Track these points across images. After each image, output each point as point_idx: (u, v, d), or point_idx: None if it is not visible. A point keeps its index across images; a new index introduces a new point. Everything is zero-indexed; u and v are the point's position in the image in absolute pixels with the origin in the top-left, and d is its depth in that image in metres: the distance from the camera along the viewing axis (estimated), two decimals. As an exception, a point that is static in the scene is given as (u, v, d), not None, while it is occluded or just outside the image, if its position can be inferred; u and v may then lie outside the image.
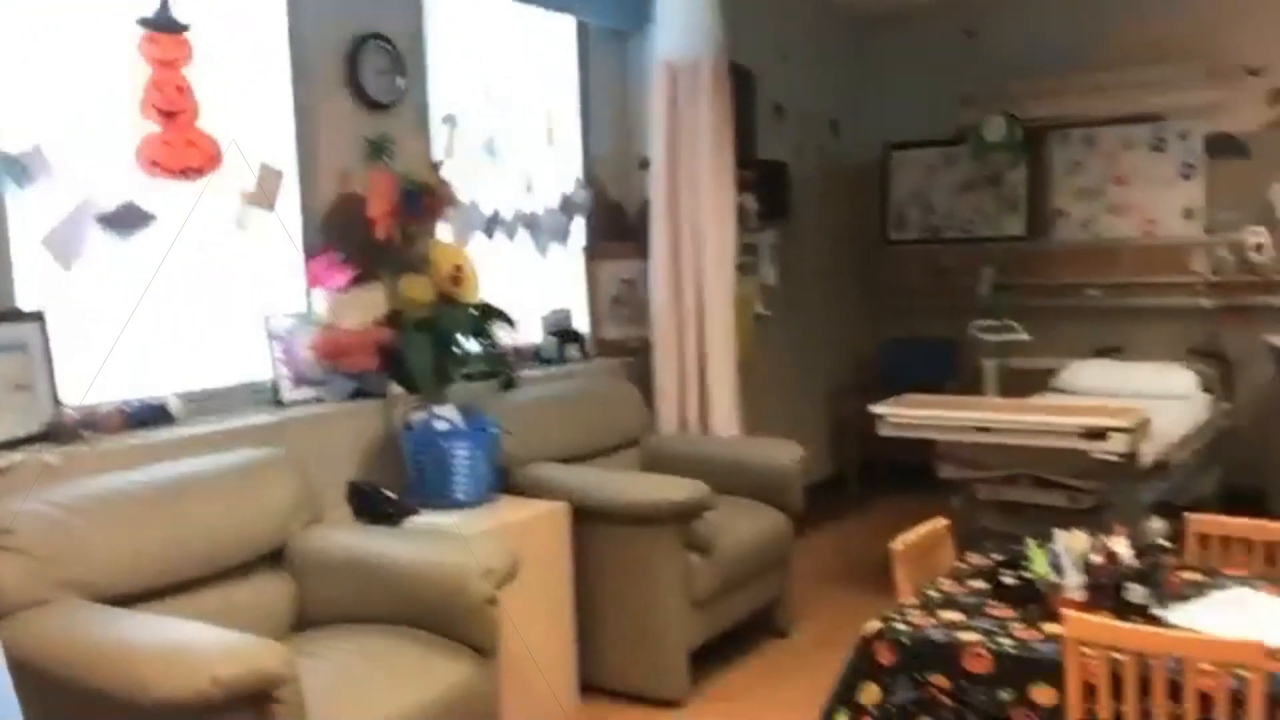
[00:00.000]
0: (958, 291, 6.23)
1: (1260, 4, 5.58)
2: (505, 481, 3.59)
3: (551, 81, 4.67)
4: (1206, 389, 5.37)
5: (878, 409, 4.26)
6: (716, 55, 4.31)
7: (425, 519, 3.22)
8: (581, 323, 4.63)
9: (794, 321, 5.90)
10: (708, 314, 4.38)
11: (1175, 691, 1.93)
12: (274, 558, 2.87)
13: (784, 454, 4.15)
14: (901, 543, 2.62)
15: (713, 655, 3.81)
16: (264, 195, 3.16)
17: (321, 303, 3.39)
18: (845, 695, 2.37)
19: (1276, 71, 5.60)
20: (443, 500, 3.34)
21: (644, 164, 4.63)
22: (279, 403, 3.33)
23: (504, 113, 4.24)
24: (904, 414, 4.21)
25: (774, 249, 5.49)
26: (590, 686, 3.58)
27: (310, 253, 3.45)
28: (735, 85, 4.42)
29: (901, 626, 2.33)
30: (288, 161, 3.41)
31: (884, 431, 4.24)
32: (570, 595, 3.50)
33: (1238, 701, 1.86)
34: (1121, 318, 5.97)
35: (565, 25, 4.73)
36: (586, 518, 3.51)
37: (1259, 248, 5.46)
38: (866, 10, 6.49)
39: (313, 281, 3.41)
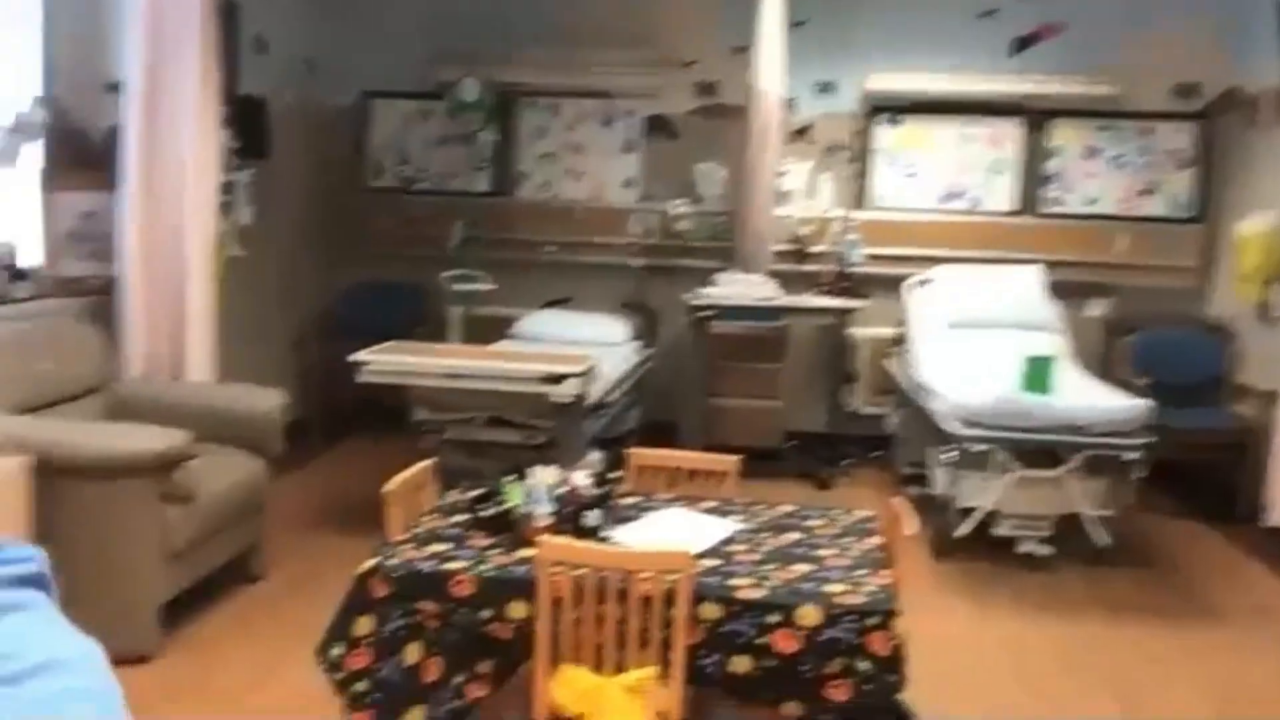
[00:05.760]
0: (429, 241, 6.48)
1: (695, 9, 6.48)
2: (-54, 436, 3.23)
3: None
4: (635, 337, 6.23)
5: (359, 357, 4.40)
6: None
7: None
8: (32, 257, 4.20)
9: (265, 264, 5.80)
10: (185, 253, 4.19)
11: (623, 596, 2.37)
12: None
13: (264, 400, 4.14)
14: (392, 484, 2.82)
15: (185, 605, 3.75)
16: None
17: None
18: (341, 630, 2.53)
19: (704, 67, 6.55)
20: None
21: (114, 88, 4.28)
22: None
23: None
24: (384, 361, 4.39)
25: (250, 189, 5.35)
26: (52, 650, 3.37)
27: None
28: (219, 15, 4.24)
29: (394, 562, 2.54)
30: None
31: (363, 378, 4.38)
32: (29, 556, 3.25)
33: (670, 600, 2.34)
34: (571, 272, 6.64)
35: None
36: (50, 472, 3.25)
37: (681, 217, 6.40)
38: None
39: None
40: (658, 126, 6.64)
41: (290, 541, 4.52)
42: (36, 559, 0.63)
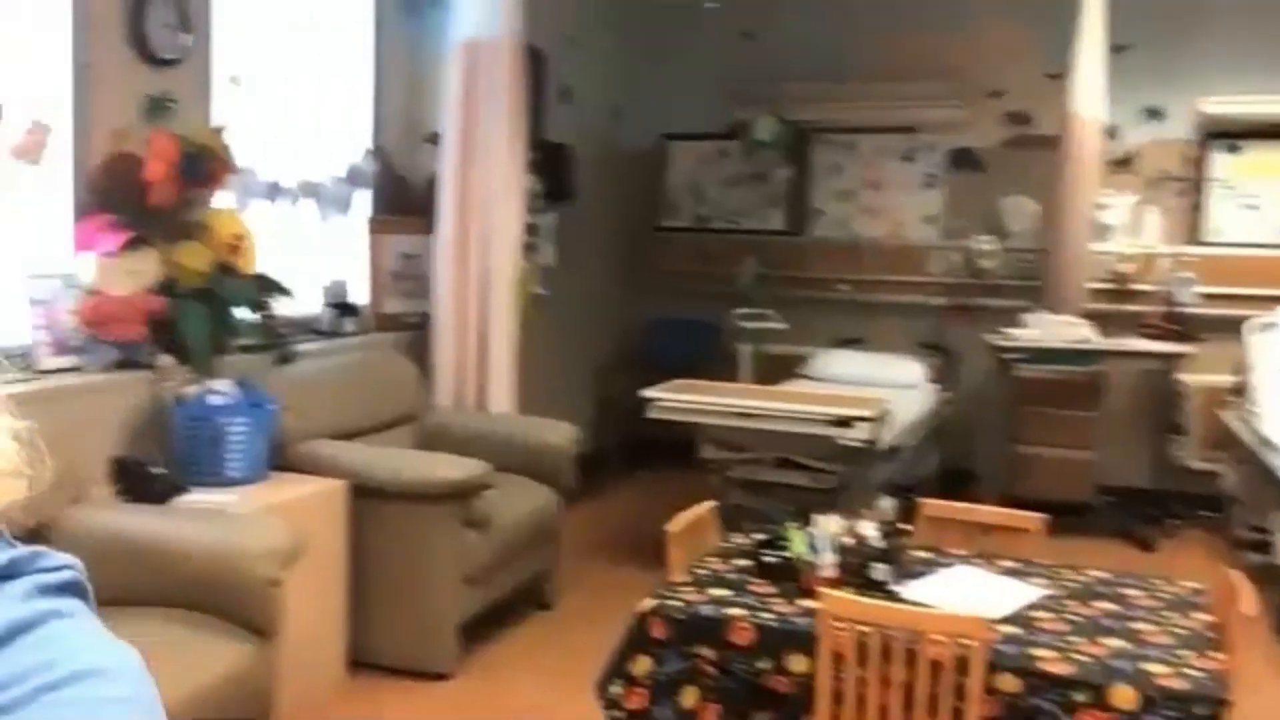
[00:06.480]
0: (721, 279, 6.50)
1: (1003, 37, 6.16)
2: (280, 458, 3.53)
3: (344, 49, 4.56)
4: (933, 379, 5.94)
5: (649, 393, 4.45)
6: (516, 37, 4.34)
7: (196, 497, 3.13)
8: (359, 295, 4.58)
9: (566, 301, 6.02)
10: (492, 292, 4.42)
11: (911, 658, 2.21)
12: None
13: (558, 434, 4.27)
14: (675, 524, 2.80)
15: (481, 627, 3.90)
16: (30, 149, 2.96)
17: (89, 267, 3.21)
18: (620, 667, 2.53)
19: (1013, 96, 6.21)
20: (215, 478, 3.26)
21: (432, 139, 4.61)
22: (33, 370, 3.13)
23: (292, 77, 4.12)
24: (672, 399, 4.42)
25: (553, 230, 5.60)
26: (360, 662, 3.59)
27: (80, 213, 3.25)
28: (528, 66, 4.48)
29: (674, 603, 2.51)
30: (61, 116, 3.18)
31: (653, 414, 4.43)
32: (345, 573, 3.50)
33: (962, 667, 2.16)
34: (864, 311, 6.45)
35: (362, -10, 4.63)
36: (363, 494, 3.51)
37: (986, 255, 6.07)
38: (651, 1, 6.68)
39: (81, 244, 3.22)
40: (962, 160, 6.34)
41: (581, 571, 4.61)
42: (75, 566, 0.63)
